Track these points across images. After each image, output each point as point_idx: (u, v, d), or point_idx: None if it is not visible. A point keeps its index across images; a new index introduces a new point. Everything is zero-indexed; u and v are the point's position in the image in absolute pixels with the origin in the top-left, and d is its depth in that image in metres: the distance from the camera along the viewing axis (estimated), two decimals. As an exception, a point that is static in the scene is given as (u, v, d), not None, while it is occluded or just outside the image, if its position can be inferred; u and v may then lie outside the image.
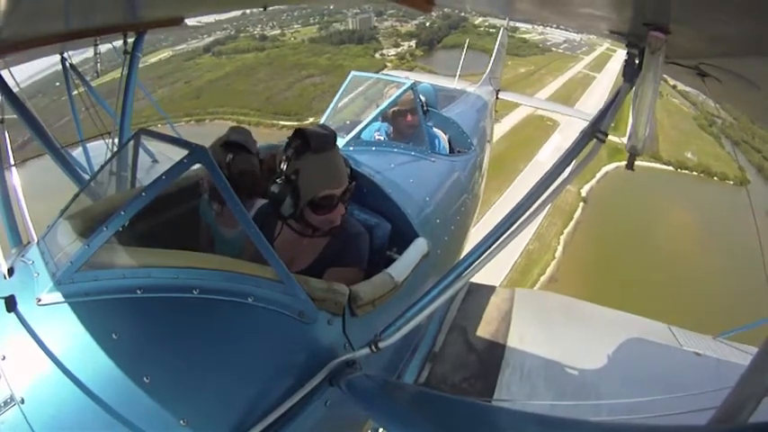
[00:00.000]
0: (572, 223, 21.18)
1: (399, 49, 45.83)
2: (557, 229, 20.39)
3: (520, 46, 47.30)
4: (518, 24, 43.00)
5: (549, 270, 18.36)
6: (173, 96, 40.25)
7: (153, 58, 45.88)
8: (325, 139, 1.56)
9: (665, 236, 19.94)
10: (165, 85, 42.34)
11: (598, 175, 24.07)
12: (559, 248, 19.76)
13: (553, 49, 48.92)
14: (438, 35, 46.54)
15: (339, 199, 1.59)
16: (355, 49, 47.09)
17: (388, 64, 41.84)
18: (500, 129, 24.76)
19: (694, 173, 27.84)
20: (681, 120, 34.42)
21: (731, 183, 25.72)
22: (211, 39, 50.52)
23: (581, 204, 22.54)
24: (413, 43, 46.78)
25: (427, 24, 49.83)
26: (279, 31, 52.20)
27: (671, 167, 28.03)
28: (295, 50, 48.36)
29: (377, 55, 45.86)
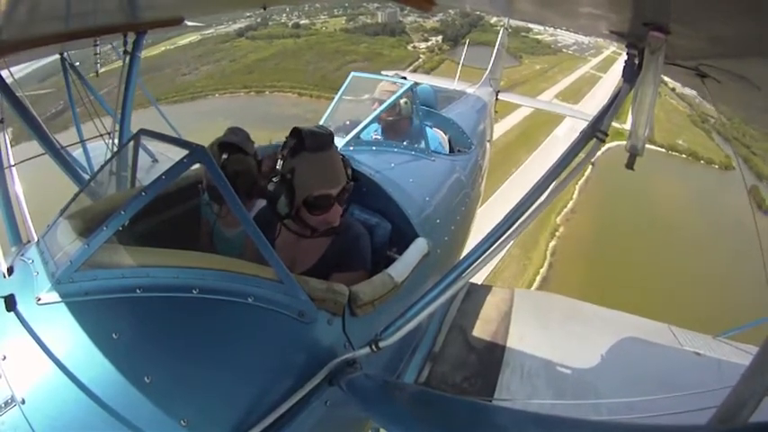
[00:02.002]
0: (583, 178, 26.19)
1: (429, 43, 49.82)
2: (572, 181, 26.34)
3: (534, 46, 51.54)
4: (530, 25, 47.56)
5: (569, 205, 23.94)
6: (223, 71, 42.65)
7: (182, 41, 47.27)
8: (321, 138, 1.56)
9: (656, 189, 25.39)
10: (208, 63, 44.85)
11: (603, 149, 29.32)
12: (575, 193, 24.97)
13: (563, 50, 52.86)
14: (461, 32, 49.78)
15: (335, 199, 1.58)
16: (390, 40, 50.31)
17: (422, 55, 45.87)
18: (523, 112, 29.34)
19: (683, 155, 31.99)
20: (676, 116, 37.77)
21: (716, 167, 30.22)
22: (240, 25, 51.67)
23: (590, 166, 27.48)
24: (439, 38, 50.71)
25: (449, 21, 53.00)
26: (308, 21, 54.90)
27: (663, 149, 31.67)
28: (332, 38, 50.97)
29: (410, 47, 49.53)
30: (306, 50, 47.04)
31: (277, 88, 38.75)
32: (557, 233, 21.81)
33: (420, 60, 44.32)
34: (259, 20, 51.77)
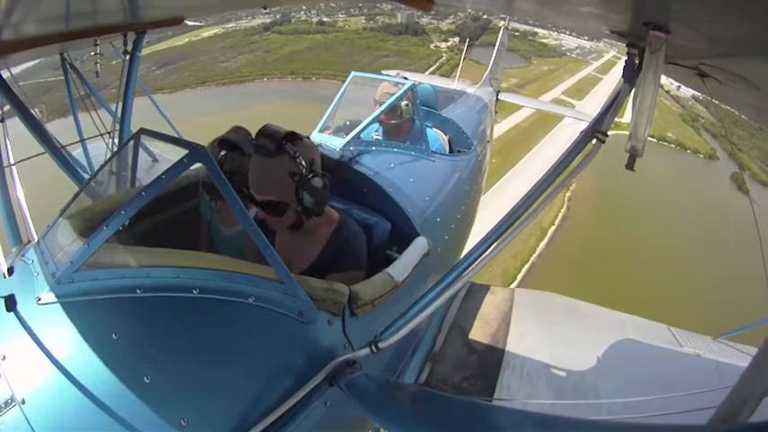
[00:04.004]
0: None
1: (449, 43, 53.52)
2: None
3: (541, 49, 56.09)
4: (536, 29, 55.10)
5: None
6: (264, 60, 44.64)
7: (206, 33, 48.37)
8: (261, 146, 1.56)
9: (646, 167, 26.58)
10: (243, 53, 46.43)
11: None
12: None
13: (567, 53, 57.82)
14: (475, 34, 53.14)
15: (256, 203, 1.59)
16: (413, 39, 53.36)
17: (444, 54, 49.01)
18: (554, 93, 34.42)
19: (672, 145, 35.20)
20: (667, 114, 40.47)
21: (702, 156, 34.13)
22: (264, 20, 52.83)
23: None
24: (456, 39, 54.28)
25: (463, 24, 56.59)
26: (330, 19, 57.33)
27: (654, 139, 34.29)
28: (360, 36, 53.34)
29: (432, 46, 52.79)
30: (337, 45, 49.13)
31: (323, 75, 40.54)
32: (570, 187, 25.89)
33: (444, 58, 47.08)
34: (279, 16, 53.26)
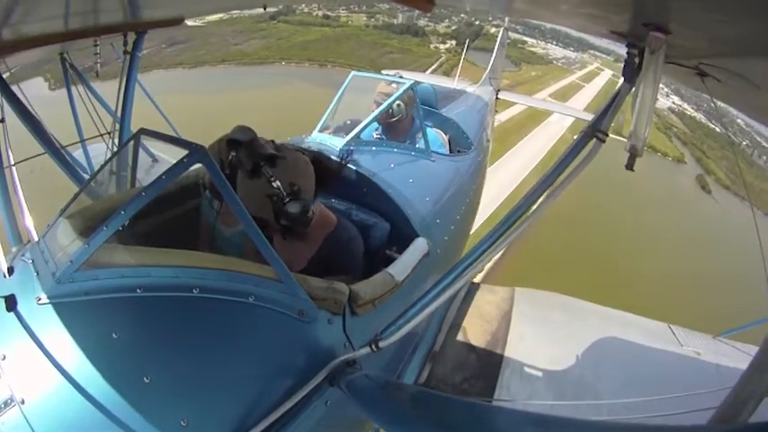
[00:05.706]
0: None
1: (447, 45, 56.26)
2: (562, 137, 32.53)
3: (530, 57, 60.00)
4: (525, 38, 60.16)
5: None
6: (280, 46, 46.35)
7: (211, 17, 48.32)
8: (247, 168, 1.51)
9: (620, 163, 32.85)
10: (255, 38, 47.50)
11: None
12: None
13: (554, 62, 62.34)
14: (471, 38, 54.67)
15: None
16: (415, 40, 55.83)
17: (443, 55, 51.32)
18: (541, 95, 37.39)
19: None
20: None
21: (670, 159, 37.21)
22: (268, 9, 53.13)
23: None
24: (453, 42, 57.42)
25: (458, 29, 59.44)
26: (333, 14, 59.18)
27: (625, 139, 39.01)
28: (365, 32, 55.44)
29: (432, 47, 55.43)
30: (345, 39, 50.81)
31: (337, 64, 41.76)
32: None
33: (443, 58, 48.85)
34: (281, 7, 54.47)
